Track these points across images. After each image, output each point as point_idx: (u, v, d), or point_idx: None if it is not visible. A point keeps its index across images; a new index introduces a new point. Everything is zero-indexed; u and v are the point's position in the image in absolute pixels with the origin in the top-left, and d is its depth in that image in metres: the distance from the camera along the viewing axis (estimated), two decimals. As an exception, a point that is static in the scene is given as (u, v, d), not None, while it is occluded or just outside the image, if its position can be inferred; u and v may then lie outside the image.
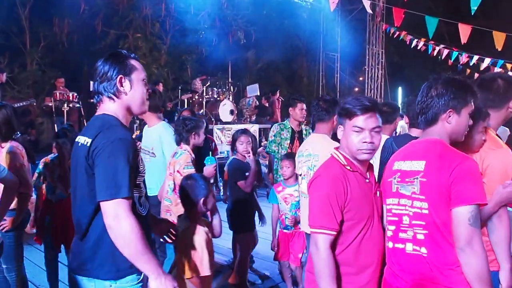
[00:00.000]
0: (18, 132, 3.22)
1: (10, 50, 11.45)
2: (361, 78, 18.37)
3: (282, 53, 16.90)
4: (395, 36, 13.58)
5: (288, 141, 4.65)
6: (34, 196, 5.88)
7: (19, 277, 3.21)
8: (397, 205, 1.94)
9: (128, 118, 2.00)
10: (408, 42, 13.04)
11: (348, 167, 2.00)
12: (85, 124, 9.09)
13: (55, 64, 12.21)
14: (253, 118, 11.80)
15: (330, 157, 2.10)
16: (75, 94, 9.13)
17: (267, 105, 12.06)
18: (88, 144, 1.82)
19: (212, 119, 10.00)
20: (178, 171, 3.28)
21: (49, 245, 3.84)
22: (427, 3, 17.35)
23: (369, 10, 10.09)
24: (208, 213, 2.69)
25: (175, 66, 14.43)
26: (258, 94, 11.55)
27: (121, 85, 1.92)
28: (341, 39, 17.47)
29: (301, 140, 4.59)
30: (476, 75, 13.85)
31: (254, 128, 9.93)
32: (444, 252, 1.77)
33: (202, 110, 10.32)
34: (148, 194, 3.26)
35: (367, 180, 2.05)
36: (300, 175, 3.35)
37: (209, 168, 3.45)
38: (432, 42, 12.26)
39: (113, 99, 1.93)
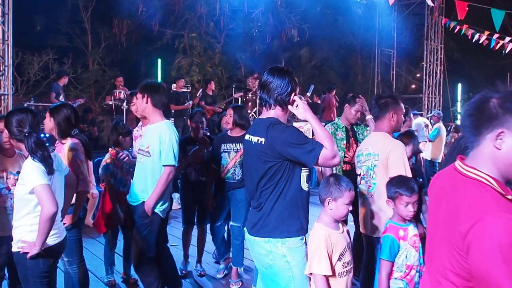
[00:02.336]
0: (76, 129, 3.35)
1: (74, 51, 12.07)
2: (418, 75, 17.69)
3: (336, 50, 16.63)
4: (455, 30, 12.95)
5: (345, 141, 4.38)
6: (96, 191, 6.16)
7: (81, 270, 3.34)
8: None
9: (286, 120, 2.40)
10: (470, 37, 12.39)
11: (509, 197, 1.31)
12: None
13: (115, 64, 12.75)
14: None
15: (472, 182, 1.35)
16: (134, 93, 9.43)
17: (319, 102, 11.89)
18: (263, 142, 2.26)
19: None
20: None
21: (116, 236, 4.31)
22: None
23: (430, 3, 9.66)
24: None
25: (229, 64, 14.59)
26: (309, 94, 11.38)
27: (291, 98, 2.33)
28: (397, 35, 16.90)
29: (355, 138, 4.37)
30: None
31: (307, 126, 9.81)
32: None
33: (255, 108, 10.35)
34: (132, 200, 3.29)
35: None
36: (359, 175, 3.22)
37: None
38: (496, 35, 11.57)
39: (282, 107, 2.34)
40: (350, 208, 2.41)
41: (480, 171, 1.34)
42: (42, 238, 2.42)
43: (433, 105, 16.61)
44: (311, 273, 2.31)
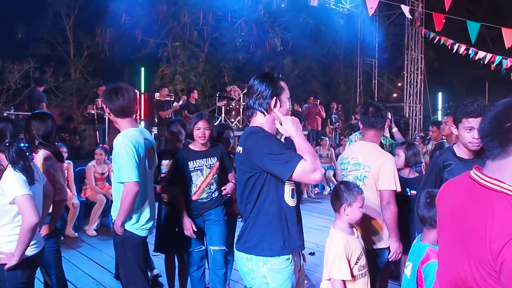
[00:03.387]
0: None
1: (55, 59, 11.94)
2: (399, 84, 18.00)
3: (319, 59, 16.83)
4: (435, 41, 13.25)
5: None
6: (77, 201, 6.10)
7: (60, 281, 3.28)
8: None
9: (274, 127, 2.25)
10: (449, 47, 12.68)
11: None
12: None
13: (97, 73, 12.65)
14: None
15: (500, 195, 1.25)
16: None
17: (300, 110, 12.01)
18: (241, 151, 2.21)
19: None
20: None
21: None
22: (467, 6, 16.83)
23: (408, 15, 9.89)
24: None
25: (212, 73, 14.63)
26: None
27: (275, 105, 2.21)
28: (378, 45, 17.23)
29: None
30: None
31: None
32: None
33: (239, 117, 10.38)
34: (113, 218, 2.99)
35: None
36: None
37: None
38: (474, 46, 11.88)
39: (263, 113, 2.22)
40: (363, 210, 2.53)
41: (509, 185, 1.24)
42: (22, 249, 2.38)
43: (414, 113, 16.90)
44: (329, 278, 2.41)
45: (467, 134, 2.49)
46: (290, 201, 2.17)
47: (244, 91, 10.74)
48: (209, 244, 3.57)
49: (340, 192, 2.52)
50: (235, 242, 2.32)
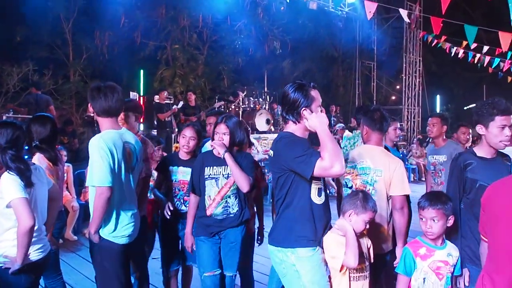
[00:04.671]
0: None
1: (54, 62, 11.94)
2: (398, 87, 18.05)
3: (318, 62, 16.88)
4: (433, 44, 13.30)
5: None
6: (76, 204, 6.09)
7: (58, 284, 3.27)
8: None
9: (306, 134, 2.44)
10: (447, 50, 12.73)
11: None
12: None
13: (97, 75, 12.64)
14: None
15: None
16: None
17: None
18: (272, 155, 2.46)
19: (249, 129, 10.03)
20: None
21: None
22: (465, 9, 16.91)
23: (406, 19, 9.93)
24: None
25: (212, 76, 14.65)
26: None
27: (304, 114, 2.37)
28: (377, 48, 17.28)
29: None
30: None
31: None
32: None
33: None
34: None
35: None
36: (350, 187, 3.09)
37: None
38: (472, 49, 11.93)
39: (295, 122, 2.41)
40: (368, 226, 2.52)
41: None
42: (22, 253, 2.38)
43: (412, 116, 16.95)
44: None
45: (500, 132, 2.49)
46: (316, 199, 2.37)
47: (244, 93, 10.78)
48: (223, 268, 3.16)
49: (354, 199, 2.51)
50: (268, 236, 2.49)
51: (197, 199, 3.15)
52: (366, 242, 2.61)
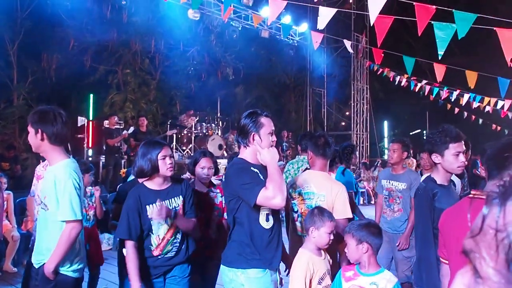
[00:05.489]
0: None
1: (-4, 85, 11.44)
2: (347, 113, 18.68)
3: (270, 88, 17.22)
4: (378, 73, 13.96)
5: None
6: (17, 233, 5.76)
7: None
8: None
9: (257, 159, 2.52)
10: (391, 79, 13.38)
11: None
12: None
13: (43, 99, 12.14)
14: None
15: None
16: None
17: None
18: (223, 180, 2.62)
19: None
20: None
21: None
22: (408, 39, 17.90)
23: (350, 50, 10.41)
24: None
25: (164, 101, 14.53)
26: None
27: (253, 139, 2.52)
28: (327, 75, 17.92)
29: None
30: (457, 109, 14.27)
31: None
32: None
33: (190, 145, 10.33)
34: (35, 261, 2.62)
35: None
36: (296, 212, 3.14)
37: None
38: (414, 78, 12.60)
39: (245, 146, 2.57)
40: (332, 237, 2.60)
41: None
42: None
43: (361, 141, 17.53)
44: None
45: (456, 158, 2.55)
46: (265, 223, 2.48)
47: (196, 119, 10.76)
48: None
49: (311, 216, 2.65)
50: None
51: (134, 245, 2.67)
52: (326, 256, 2.73)
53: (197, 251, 2.99)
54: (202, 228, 3.25)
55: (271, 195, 2.28)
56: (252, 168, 2.50)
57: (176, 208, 2.80)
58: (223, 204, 3.30)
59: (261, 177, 2.45)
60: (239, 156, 2.62)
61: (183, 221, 2.81)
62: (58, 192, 2.50)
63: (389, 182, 4.31)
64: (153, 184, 2.78)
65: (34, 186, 4.11)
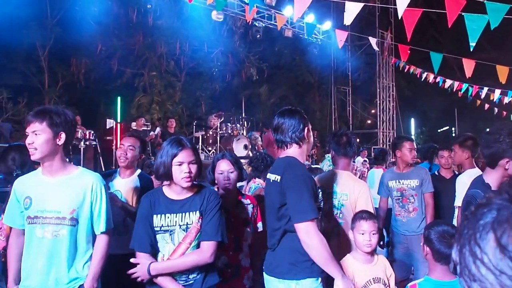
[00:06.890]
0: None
1: (29, 90, 11.82)
2: (373, 111, 18.46)
3: (294, 88, 17.20)
4: (405, 70, 13.73)
5: None
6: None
7: None
8: None
9: (305, 159, 2.44)
10: (418, 76, 13.14)
11: None
12: (101, 161, 9.26)
13: (73, 103, 12.55)
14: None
15: None
16: (92, 132, 9.32)
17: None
18: (278, 180, 2.29)
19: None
20: None
21: None
22: (434, 34, 17.58)
23: (375, 48, 10.24)
24: None
25: (189, 102, 14.73)
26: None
27: (307, 134, 2.42)
28: (351, 74, 17.74)
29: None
30: (487, 106, 13.90)
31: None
32: None
33: (216, 145, 10.42)
34: None
35: None
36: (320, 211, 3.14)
37: None
38: (442, 75, 12.35)
39: (299, 144, 2.40)
40: (368, 238, 2.50)
41: None
42: None
43: (387, 139, 17.29)
44: None
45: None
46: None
47: (222, 119, 10.85)
48: None
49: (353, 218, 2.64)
50: (264, 268, 2.40)
51: (147, 257, 2.19)
52: (378, 261, 2.61)
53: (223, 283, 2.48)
54: (230, 252, 2.69)
55: (308, 242, 2.14)
56: (312, 178, 2.33)
57: (188, 226, 2.20)
58: (255, 215, 2.92)
59: (319, 195, 2.39)
60: (287, 155, 2.39)
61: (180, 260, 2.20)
62: (95, 202, 2.29)
63: (399, 182, 4.12)
64: (170, 192, 2.25)
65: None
